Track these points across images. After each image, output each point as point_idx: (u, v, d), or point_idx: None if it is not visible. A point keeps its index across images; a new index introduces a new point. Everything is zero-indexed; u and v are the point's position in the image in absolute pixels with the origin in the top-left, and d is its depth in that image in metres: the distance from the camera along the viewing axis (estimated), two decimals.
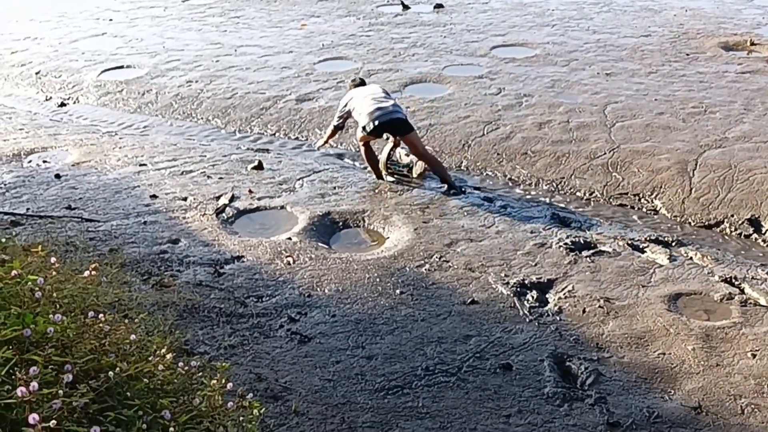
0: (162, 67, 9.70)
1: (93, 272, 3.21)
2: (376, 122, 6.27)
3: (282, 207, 5.98)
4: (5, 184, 6.12)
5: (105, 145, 7.29)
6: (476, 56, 10.01)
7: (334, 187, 6.44)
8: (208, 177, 6.53)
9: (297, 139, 7.92)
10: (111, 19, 12.21)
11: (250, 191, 6.21)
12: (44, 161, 6.82)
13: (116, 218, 5.56)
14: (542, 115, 7.89)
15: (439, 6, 12.62)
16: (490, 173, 6.99)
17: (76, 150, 7.10)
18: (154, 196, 6.01)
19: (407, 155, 6.88)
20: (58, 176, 6.34)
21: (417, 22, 11.73)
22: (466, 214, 5.92)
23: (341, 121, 6.75)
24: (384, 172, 6.76)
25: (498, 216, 5.89)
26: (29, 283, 2.78)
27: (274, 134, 8.03)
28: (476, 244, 5.36)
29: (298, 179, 6.59)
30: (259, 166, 6.83)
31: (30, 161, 6.83)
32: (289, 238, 5.40)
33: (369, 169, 6.71)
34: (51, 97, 9.15)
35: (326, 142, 7.11)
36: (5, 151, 7.00)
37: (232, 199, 6.03)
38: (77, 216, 5.53)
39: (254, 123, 8.23)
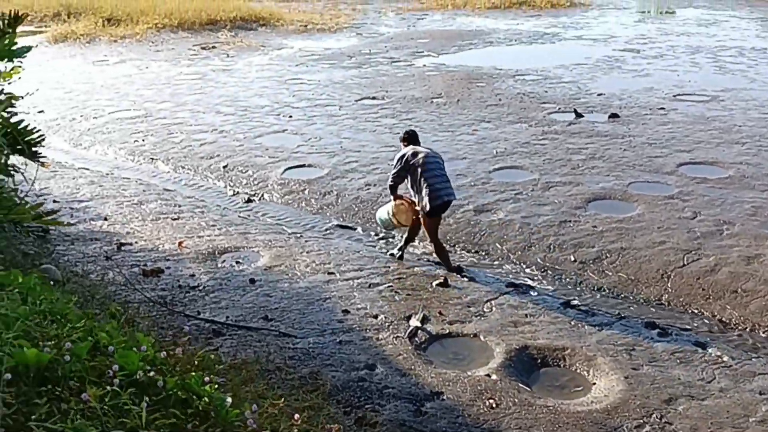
0: (341, 168, 9.93)
1: None
2: (439, 202, 6.74)
3: (475, 335, 5.69)
4: (204, 287, 6.28)
5: (293, 248, 7.40)
6: (662, 173, 9.47)
7: (526, 315, 6.10)
8: (396, 293, 6.40)
9: (477, 252, 7.69)
10: (290, 116, 12.81)
11: (441, 313, 5.99)
12: (237, 262, 6.99)
13: (312, 334, 5.50)
14: (749, 247, 7.20)
15: (614, 116, 12.25)
16: (695, 311, 6.37)
17: (266, 252, 7.25)
18: (346, 311, 5.93)
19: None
20: (252, 281, 6.44)
21: (593, 132, 11.40)
22: (679, 362, 5.36)
23: (399, 180, 6.94)
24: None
25: (716, 368, 5.28)
26: None
27: (454, 246, 7.85)
28: (699, 404, 4.78)
29: (486, 301, 6.32)
30: (445, 284, 6.63)
31: (224, 261, 7.03)
32: (488, 375, 5.08)
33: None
34: (238, 192, 9.55)
35: (402, 204, 7.04)
36: (201, 248, 7.27)
37: (424, 320, 5.82)
38: (275, 329, 5.52)
39: None
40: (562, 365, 5.40)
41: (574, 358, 5.42)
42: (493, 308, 6.20)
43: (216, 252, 7.20)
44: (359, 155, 10.48)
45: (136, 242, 7.32)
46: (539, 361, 5.43)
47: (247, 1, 28.91)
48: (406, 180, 6.92)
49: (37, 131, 6.97)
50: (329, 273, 6.76)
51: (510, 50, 19.57)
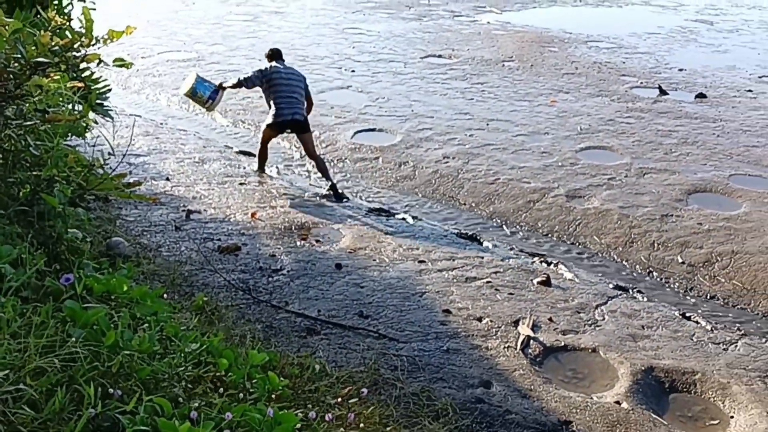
0: (415, 135, 9.23)
1: None
2: (280, 119, 7.50)
3: (593, 350, 5.08)
4: (288, 271, 5.70)
5: (375, 227, 6.79)
6: (763, 166, 8.70)
7: (642, 326, 5.48)
8: (496, 290, 5.78)
9: (573, 244, 7.05)
10: (353, 71, 12.04)
11: (551, 320, 5.39)
12: (317, 241, 6.40)
13: (414, 339, 4.91)
14: None
15: (701, 96, 11.37)
16: None
17: (347, 231, 6.65)
18: (447, 311, 5.33)
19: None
20: (339, 266, 5.85)
21: (680, 113, 10.56)
22: None
23: (250, 86, 7.68)
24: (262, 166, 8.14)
25: None
26: None
27: (546, 235, 7.21)
28: None
29: (596, 307, 5.70)
30: (547, 282, 6.02)
31: (303, 239, 6.43)
32: (618, 402, 4.50)
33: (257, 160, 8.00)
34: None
35: (229, 87, 7.80)
36: (276, 222, 6.67)
37: (534, 327, 5.23)
38: (373, 330, 4.94)
39: (522, 218, 7.46)
40: (692, 392, 4.79)
41: (706, 385, 4.80)
42: (605, 316, 5.58)
43: (293, 227, 6.60)
44: (432, 122, 9.75)
45: (204, 210, 6.73)
46: (667, 386, 4.82)
47: None
48: (261, 89, 7.76)
49: (103, 80, 6.35)
50: (420, 261, 6.15)
51: (577, 12, 18.50)
